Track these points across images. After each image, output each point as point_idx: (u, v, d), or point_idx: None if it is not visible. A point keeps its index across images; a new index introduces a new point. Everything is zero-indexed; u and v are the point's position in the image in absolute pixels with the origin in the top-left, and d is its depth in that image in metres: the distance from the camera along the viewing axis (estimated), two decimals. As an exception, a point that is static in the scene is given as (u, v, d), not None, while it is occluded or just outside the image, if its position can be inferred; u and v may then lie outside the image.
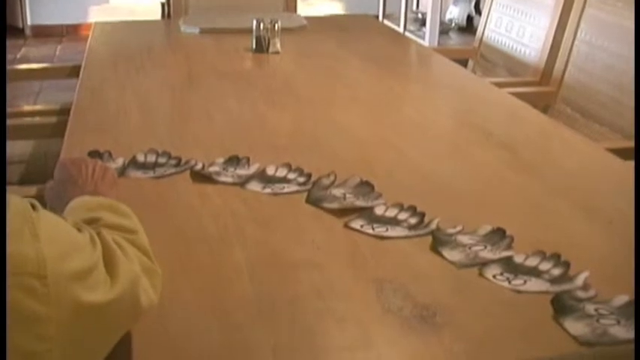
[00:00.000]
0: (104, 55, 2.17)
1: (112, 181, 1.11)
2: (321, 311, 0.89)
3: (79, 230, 0.73)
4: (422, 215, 1.13)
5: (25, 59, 5.29)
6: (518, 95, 1.86)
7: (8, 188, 1.84)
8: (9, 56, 5.29)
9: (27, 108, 2.17)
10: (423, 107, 1.77)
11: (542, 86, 2.40)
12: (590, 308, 0.90)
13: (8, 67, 2.80)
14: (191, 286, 0.94)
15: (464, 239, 1.07)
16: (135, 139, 1.45)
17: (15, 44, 5.60)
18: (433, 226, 1.10)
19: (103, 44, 2.33)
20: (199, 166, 1.30)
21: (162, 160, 1.32)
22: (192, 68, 2.02)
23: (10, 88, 3.96)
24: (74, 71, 2.12)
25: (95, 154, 1.32)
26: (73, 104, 1.64)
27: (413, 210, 1.14)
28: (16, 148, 2.00)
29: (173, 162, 1.31)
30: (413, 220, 1.12)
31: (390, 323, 0.87)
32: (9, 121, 1.85)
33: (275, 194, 1.20)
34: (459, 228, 1.10)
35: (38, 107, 2.06)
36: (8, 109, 2.22)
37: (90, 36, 2.39)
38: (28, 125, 1.77)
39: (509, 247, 1.05)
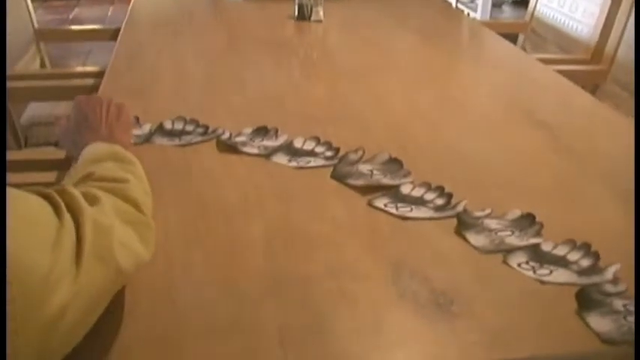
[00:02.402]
0: (145, 19, 2.16)
1: (127, 122, 1.10)
2: (333, 292, 0.86)
3: (44, 197, 0.66)
4: (449, 196, 1.09)
5: (77, 20, 5.34)
6: (568, 73, 1.79)
7: (45, 149, 1.86)
8: (62, 16, 5.34)
9: (66, 70, 2.18)
10: (465, 83, 1.72)
11: (593, 64, 2.31)
12: (618, 304, 0.85)
13: (58, 27, 2.82)
14: (204, 256, 0.93)
15: (491, 223, 1.02)
16: (165, 106, 1.43)
17: (68, 5, 5.66)
18: (460, 208, 1.06)
19: (145, 8, 2.32)
20: (226, 136, 1.27)
21: (189, 127, 1.30)
22: (232, 35, 2.00)
23: (61, 49, 4.01)
24: (116, 34, 2.12)
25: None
26: (108, 68, 1.63)
27: (440, 190, 1.10)
28: (57, 109, 2.02)
29: (200, 130, 1.29)
30: (439, 201, 1.08)
31: (404, 309, 0.84)
32: (51, 82, 1.85)
33: (300, 168, 1.17)
34: (487, 211, 1.05)
35: (79, 69, 2.06)
36: (52, 70, 2.23)
37: (133, -1, 2.38)
38: (67, 87, 1.77)
39: (537, 234, 1.01)
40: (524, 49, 2.61)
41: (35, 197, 0.65)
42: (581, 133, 1.41)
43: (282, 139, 1.27)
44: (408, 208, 1.05)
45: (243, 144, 1.24)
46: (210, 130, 1.29)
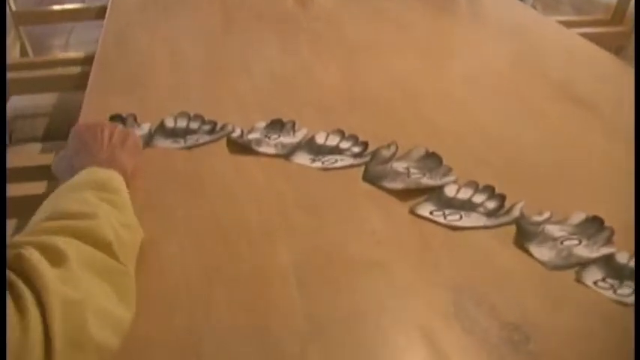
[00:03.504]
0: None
1: (133, 149, 0.97)
2: (386, 331, 0.73)
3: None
4: (502, 198, 0.95)
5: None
6: (587, 36, 1.65)
7: (31, 146, 1.71)
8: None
9: (48, 58, 2.01)
10: (485, 53, 1.56)
11: (614, 25, 2.16)
12: None
13: (38, 8, 2.64)
14: (228, 292, 0.78)
15: (553, 230, 0.89)
16: (164, 98, 1.28)
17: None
18: (516, 212, 0.92)
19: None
20: (237, 133, 1.12)
21: (194, 125, 1.15)
22: (227, 10, 1.83)
23: (41, 27, 3.80)
24: (102, 12, 1.94)
25: (118, 119, 1.16)
26: (96, 55, 1.46)
27: (490, 191, 0.96)
28: (41, 100, 1.86)
29: (207, 127, 1.14)
30: (491, 205, 0.94)
31: (474, 351, 0.70)
32: (35, 73, 1.69)
33: (326, 169, 1.03)
34: (546, 215, 0.92)
35: (60, 56, 1.90)
36: (34, 59, 2.06)
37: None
38: (51, 77, 1.61)
39: (608, 241, 0.87)
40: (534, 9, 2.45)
41: None
42: (623, 108, 1.27)
43: (301, 135, 1.12)
44: (457, 216, 0.91)
45: (258, 142, 1.09)
46: (218, 127, 1.14)
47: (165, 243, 0.85)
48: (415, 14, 1.84)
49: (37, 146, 1.65)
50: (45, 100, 1.84)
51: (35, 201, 1.15)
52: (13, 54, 1.97)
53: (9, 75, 1.63)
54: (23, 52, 2.08)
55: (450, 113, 1.22)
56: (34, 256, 0.57)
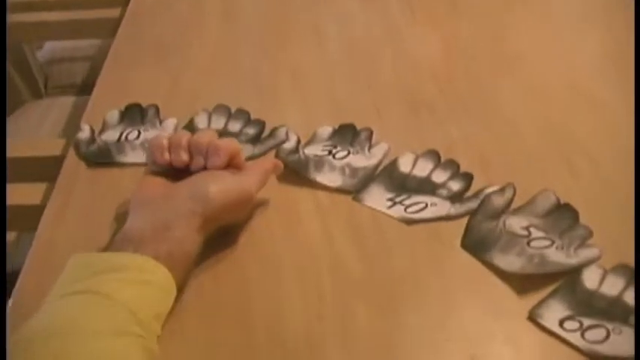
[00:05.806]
0: None
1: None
2: None
3: None
4: (671, 300, 0.62)
5: None
6: None
7: (64, 99, 1.44)
8: None
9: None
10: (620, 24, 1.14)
11: None
12: None
13: None
14: None
15: None
16: (202, 74, 0.98)
17: None
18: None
19: None
20: (291, 144, 0.82)
21: (234, 126, 0.85)
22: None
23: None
24: None
25: (135, 110, 0.87)
26: (129, 7, 1.17)
27: (654, 285, 0.64)
28: (82, 41, 1.60)
29: (251, 132, 0.84)
30: (655, 312, 0.62)
31: None
32: (67, 14, 1.39)
33: (409, 221, 0.71)
34: None
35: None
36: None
37: None
38: (85, 21, 1.32)
39: None
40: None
41: None
42: None
43: (379, 153, 0.80)
44: (602, 332, 0.59)
45: (318, 164, 0.78)
46: (266, 133, 0.84)
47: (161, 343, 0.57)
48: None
49: (70, 100, 1.39)
50: (86, 41, 1.57)
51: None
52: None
53: (37, 17, 1.36)
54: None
55: (591, 126, 0.86)
56: None
